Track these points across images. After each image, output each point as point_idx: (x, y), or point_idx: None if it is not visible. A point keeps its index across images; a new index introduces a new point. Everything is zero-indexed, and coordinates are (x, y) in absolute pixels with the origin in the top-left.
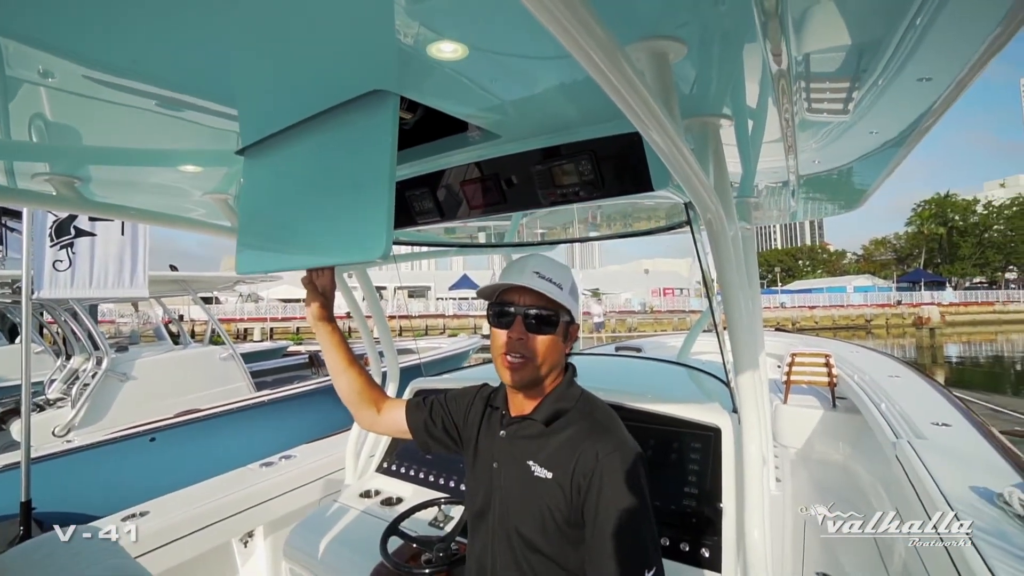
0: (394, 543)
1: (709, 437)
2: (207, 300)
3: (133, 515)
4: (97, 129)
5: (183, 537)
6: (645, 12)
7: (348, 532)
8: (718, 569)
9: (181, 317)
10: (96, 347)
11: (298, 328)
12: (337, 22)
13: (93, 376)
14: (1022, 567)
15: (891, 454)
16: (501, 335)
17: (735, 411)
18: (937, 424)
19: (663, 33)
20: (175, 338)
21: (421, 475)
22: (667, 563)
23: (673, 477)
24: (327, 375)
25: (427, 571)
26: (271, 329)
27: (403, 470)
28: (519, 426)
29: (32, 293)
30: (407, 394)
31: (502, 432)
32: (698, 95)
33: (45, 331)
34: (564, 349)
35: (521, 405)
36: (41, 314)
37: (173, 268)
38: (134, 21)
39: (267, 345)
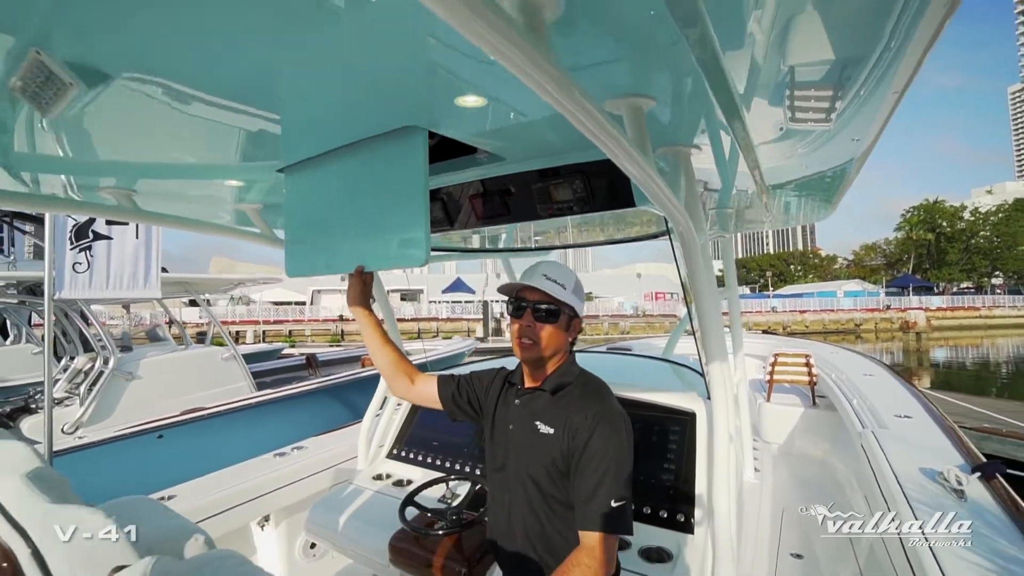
0: (410, 513)
1: (686, 420)
2: (196, 303)
3: (163, 498)
4: (158, 149)
5: (207, 519)
6: (621, 76)
7: (364, 509)
8: (691, 531)
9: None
10: (103, 347)
11: (290, 331)
12: (383, 76)
13: (100, 375)
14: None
15: (857, 442)
16: (516, 323)
17: (710, 398)
18: (900, 416)
19: (636, 92)
20: (177, 339)
21: (428, 459)
22: (649, 526)
23: (656, 455)
24: (324, 375)
25: (441, 533)
26: (263, 332)
27: (411, 455)
28: (531, 396)
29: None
30: None
31: (516, 401)
32: (669, 130)
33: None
34: (567, 337)
35: (532, 379)
36: (30, 315)
37: (164, 270)
38: (205, 59)
39: (263, 347)
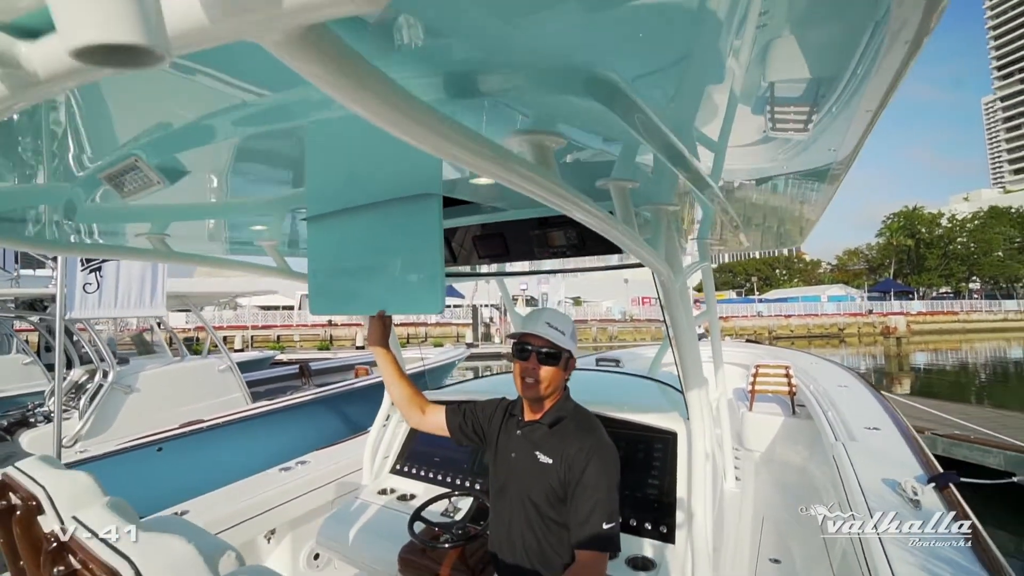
0: (417, 527)
1: (668, 439)
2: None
3: (176, 513)
4: (193, 199)
5: (219, 533)
6: (604, 170)
7: (373, 523)
8: (672, 541)
9: (159, 324)
10: (101, 359)
11: (279, 336)
12: (408, 158)
13: (100, 388)
14: (904, 539)
15: (830, 453)
16: (521, 364)
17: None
18: (869, 428)
19: (618, 176)
20: (172, 347)
21: (430, 474)
22: (634, 537)
23: (641, 471)
24: (317, 385)
25: (448, 546)
26: (252, 337)
27: (414, 470)
28: (531, 428)
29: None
30: None
31: (518, 432)
32: (652, 193)
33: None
34: (564, 376)
35: (532, 413)
36: (12, 326)
37: None
38: (257, 150)
39: (255, 355)
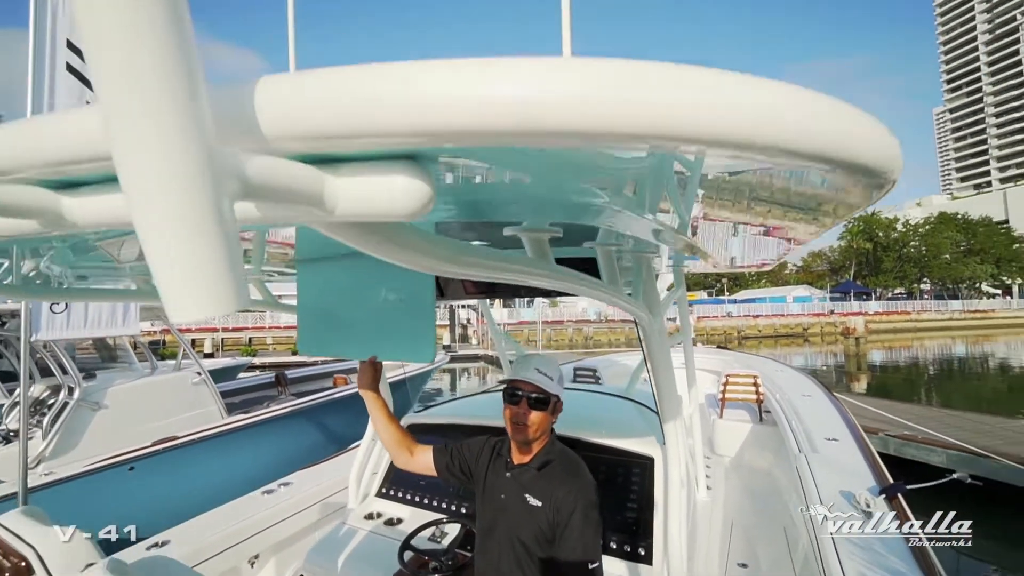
0: (406, 555)
1: (646, 464)
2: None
3: (157, 544)
4: None
5: (203, 562)
6: (590, 234)
7: (361, 549)
8: (650, 562)
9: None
10: (64, 372)
11: (250, 339)
12: None
13: (65, 406)
14: (851, 545)
15: (794, 465)
16: (511, 408)
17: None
18: (829, 439)
19: (608, 242)
20: (140, 357)
21: (417, 498)
22: (613, 559)
23: (620, 494)
24: (294, 394)
25: (436, 575)
26: (222, 340)
27: (400, 494)
28: (520, 470)
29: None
30: None
31: (508, 474)
32: (635, 245)
33: None
34: (552, 419)
35: (520, 456)
36: None
37: None
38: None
39: (228, 361)
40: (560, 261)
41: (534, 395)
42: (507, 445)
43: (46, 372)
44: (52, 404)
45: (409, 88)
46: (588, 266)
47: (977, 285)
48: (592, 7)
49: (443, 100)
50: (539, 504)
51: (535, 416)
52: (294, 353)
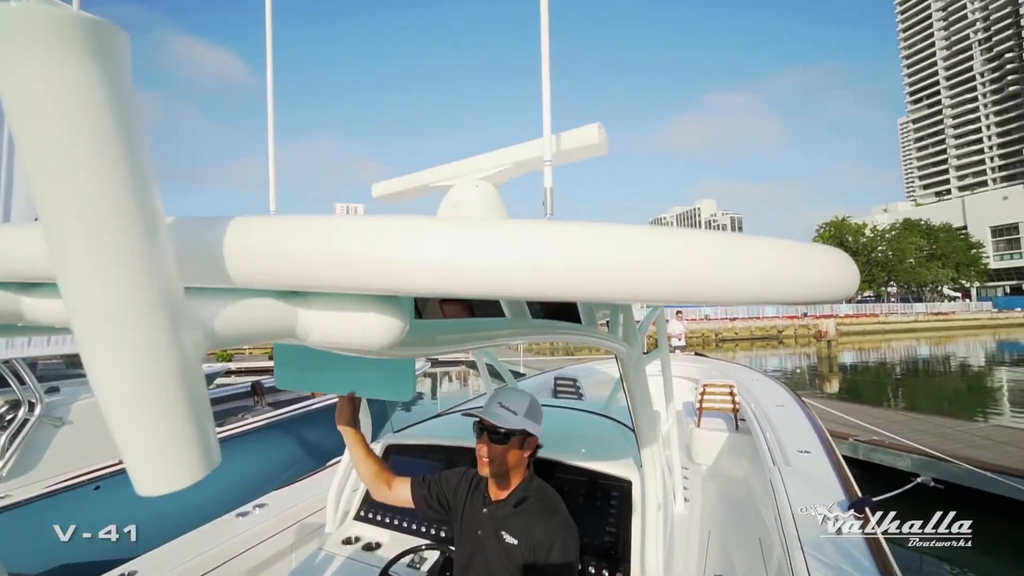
0: None
1: (624, 487)
2: None
3: (124, 574)
4: None
5: None
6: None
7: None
8: None
9: None
10: (22, 383)
11: None
12: None
13: (25, 423)
14: (820, 556)
15: (768, 477)
16: (478, 444)
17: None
18: (801, 451)
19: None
20: None
21: (396, 521)
22: None
23: (598, 517)
24: (270, 404)
25: None
26: None
27: (379, 517)
28: (497, 507)
29: None
30: (378, 451)
31: (485, 510)
32: None
33: None
34: (523, 453)
35: (497, 492)
36: None
37: None
38: None
39: (203, 368)
40: (537, 305)
41: (497, 430)
42: (485, 479)
43: (3, 384)
44: (11, 420)
45: (375, 251)
46: (566, 306)
47: (939, 288)
48: (592, 7)
49: (414, 264)
50: (515, 543)
51: (496, 451)
52: (270, 357)
